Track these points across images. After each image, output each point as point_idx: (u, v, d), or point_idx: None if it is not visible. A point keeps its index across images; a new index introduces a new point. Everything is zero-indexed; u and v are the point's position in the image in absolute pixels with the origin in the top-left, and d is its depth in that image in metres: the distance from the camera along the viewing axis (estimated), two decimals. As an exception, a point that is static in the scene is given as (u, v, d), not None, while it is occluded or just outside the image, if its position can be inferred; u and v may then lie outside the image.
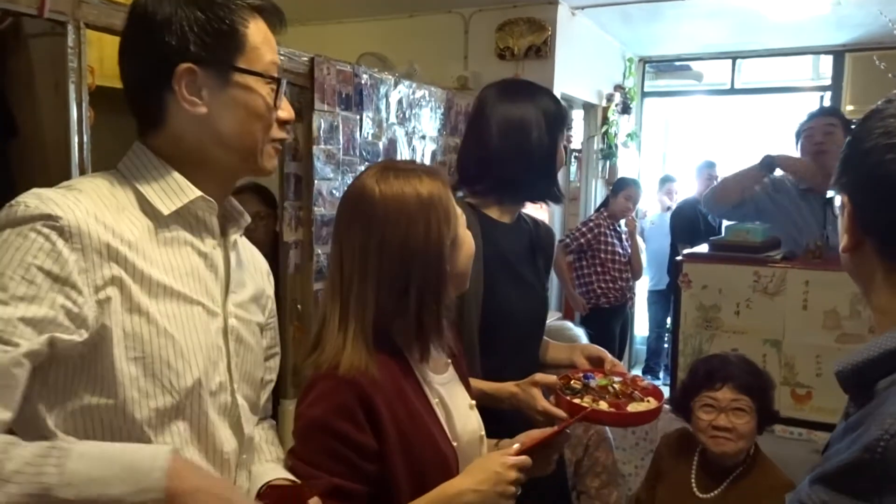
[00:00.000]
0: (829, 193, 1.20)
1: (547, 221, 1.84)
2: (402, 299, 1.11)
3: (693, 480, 1.83)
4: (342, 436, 1.04)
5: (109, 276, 0.85)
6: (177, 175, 0.94)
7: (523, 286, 1.60)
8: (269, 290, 1.15)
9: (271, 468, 1.08)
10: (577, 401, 1.35)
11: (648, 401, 1.38)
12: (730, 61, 5.50)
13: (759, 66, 5.63)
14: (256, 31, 0.95)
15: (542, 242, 1.70)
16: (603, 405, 1.36)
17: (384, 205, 1.10)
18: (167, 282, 0.90)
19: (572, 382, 1.44)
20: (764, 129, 6.16)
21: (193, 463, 0.89)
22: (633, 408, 1.37)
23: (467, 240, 1.21)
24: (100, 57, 2.44)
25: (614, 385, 1.43)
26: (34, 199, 0.83)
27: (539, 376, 1.43)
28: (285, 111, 1.00)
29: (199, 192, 0.95)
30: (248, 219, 1.06)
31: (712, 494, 1.79)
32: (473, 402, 1.28)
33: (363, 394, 1.05)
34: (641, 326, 5.89)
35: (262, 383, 1.10)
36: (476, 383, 1.44)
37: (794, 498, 1.37)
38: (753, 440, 1.81)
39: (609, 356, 1.52)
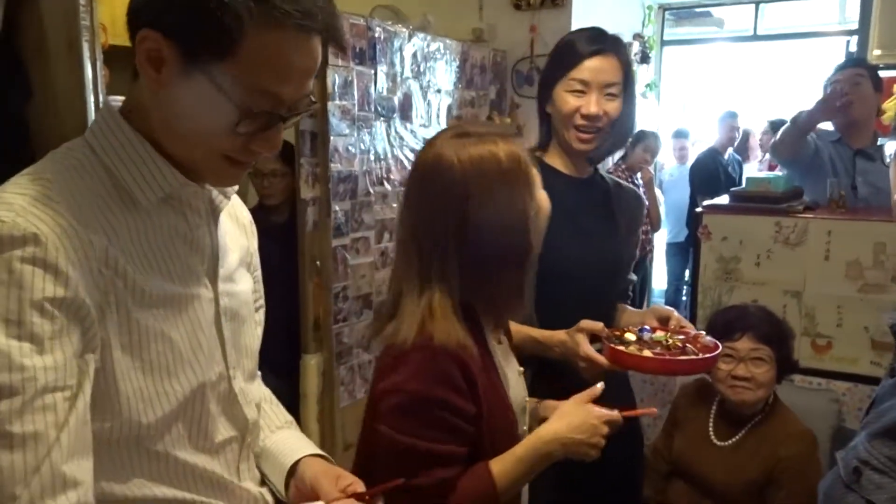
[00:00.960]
0: (881, 141, 1.18)
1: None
2: (486, 271, 1.10)
3: (711, 429, 1.85)
4: (449, 405, 1.06)
5: (104, 287, 0.77)
6: (156, 156, 0.82)
7: (587, 240, 1.59)
8: (253, 243, 1.09)
9: (292, 440, 1.05)
10: (621, 348, 1.35)
11: (697, 354, 1.36)
12: (752, 6, 5.33)
13: (782, 10, 5.46)
14: (259, 45, 0.75)
15: (625, 205, 1.68)
16: (647, 353, 1.35)
17: (463, 175, 1.06)
18: (158, 279, 0.83)
19: (626, 335, 1.43)
20: (788, 76, 6.02)
21: None
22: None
23: (545, 203, 1.19)
24: (112, 16, 2.43)
25: (668, 339, 1.42)
26: (8, 213, 0.72)
27: (585, 322, 1.43)
28: (264, 144, 0.82)
29: (182, 179, 0.84)
30: (228, 192, 0.95)
31: (730, 442, 1.81)
32: (522, 369, 1.30)
33: (462, 362, 1.06)
34: (660, 279, 5.87)
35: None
36: (528, 331, 1.48)
37: (850, 455, 1.38)
38: (772, 389, 1.82)
39: (675, 314, 1.50)
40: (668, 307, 1.60)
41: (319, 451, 1.03)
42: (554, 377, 1.49)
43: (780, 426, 1.77)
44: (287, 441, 1.05)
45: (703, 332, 1.46)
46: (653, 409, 1.27)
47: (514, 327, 1.58)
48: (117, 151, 0.82)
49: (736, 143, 5.25)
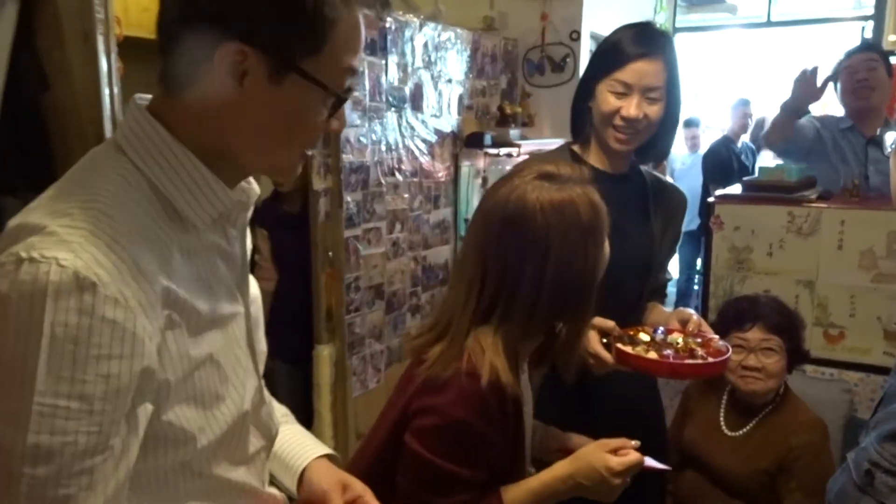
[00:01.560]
0: (879, 131, 1.18)
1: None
2: (549, 319, 1.16)
3: (722, 419, 1.86)
4: (485, 437, 1.10)
5: (162, 322, 0.71)
6: (204, 171, 0.76)
7: (618, 237, 1.58)
8: (250, 243, 1.04)
9: (296, 438, 1.05)
10: (627, 348, 1.38)
11: (705, 359, 1.37)
12: (766, -8, 5.29)
13: (797, -4, 5.41)
14: (346, 27, 0.74)
15: (664, 202, 1.67)
16: (651, 355, 1.36)
17: (546, 224, 1.09)
18: (204, 302, 0.78)
19: (640, 334, 1.45)
20: (802, 63, 5.96)
21: None
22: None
23: (607, 248, 1.20)
24: (125, 7, 2.44)
25: (679, 342, 1.43)
26: (66, 254, 0.64)
27: (597, 320, 1.44)
28: (338, 122, 0.80)
29: (233, 197, 0.79)
30: (257, 191, 0.89)
31: (741, 432, 1.81)
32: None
33: (502, 397, 1.09)
34: (672, 268, 5.86)
35: None
36: None
37: (861, 457, 1.38)
38: (783, 379, 1.82)
39: (694, 317, 1.50)
40: (690, 310, 1.58)
41: (325, 451, 1.03)
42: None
43: (791, 416, 1.78)
44: (292, 440, 1.04)
45: (718, 337, 1.46)
46: (668, 468, 1.27)
47: None
48: (163, 168, 0.74)
49: (749, 131, 5.22)
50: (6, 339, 0.63)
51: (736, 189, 2.68)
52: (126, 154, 0.74)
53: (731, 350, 1.43)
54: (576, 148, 1.67)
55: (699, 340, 1.44)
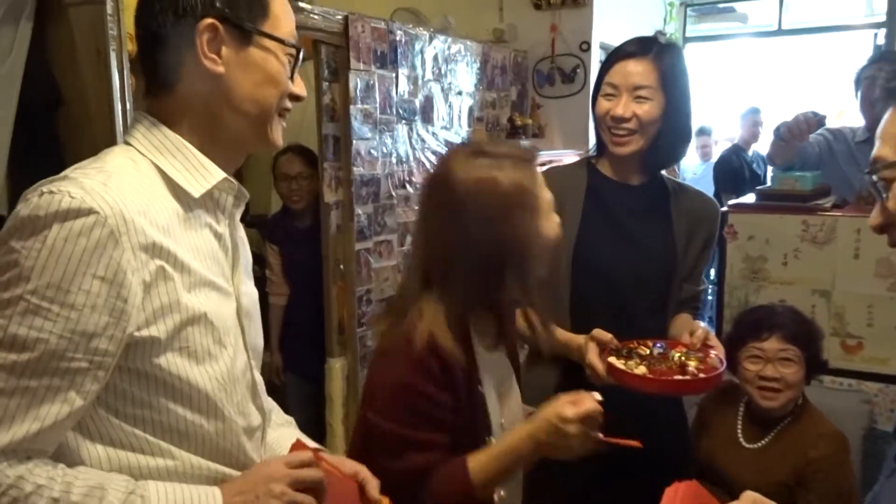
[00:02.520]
0: None
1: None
2: (485, 289, 1.16)
3: (739, 431, 1.83)
4: (427, 395, 1.13)
5: (154, 270, 0.82)
6: (198, 154, 0.91)
7: (630, 246, 1.59)
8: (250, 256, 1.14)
9: (289, 433, 1.12)
10: (619, 362, 1.40)
11: (695, 375, 1.37)
12: (776, 1, 5.27)
13: (807, 4, 5.39)
14: (279, 3, 0.93)
15: (688, 210, 1.64)
16: (640, 370, 1.38)
17: (465, 195, 1.12)
18: (199, 269, 0.89)
19: (639, 348, 1.46)
20: (813, 71, 5.93)
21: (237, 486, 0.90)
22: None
23: (554, 227, 1.21)
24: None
25: (676, 357, 1.43)
26: (77, 190, 0.78)
27: (597, 331, 1.46)
28: (298, 86, 0.96)
29: (223, 174, 0.93)
30: (247, 195, 1.01)
31: (759, 444, 1.78)
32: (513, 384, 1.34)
33: (442, 358, 1.13)
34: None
35: None
36: (556, 332, 1.53)
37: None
38: (801, 390, 1.79)
39: (699, 330, 1.49)
40: (697, 322, 1.57)
41: (319, 447, 1.08)
42: (580, 378, 1.49)
43: (811, 428, 1.75)
44: (289, 438, 1.09)
45: (717, 352, 1.45)
46: (636, 443, 1.19)
47: None
48: (161, 151, 0.89)
49: (759, 139, 5.19)
50: (14, 251, 0.76)
51: (749, 198, 2.66)
52: (132, 146, 0.90)
53: (724, 365, 1.42)
54: (595, 161, 1.67)
55: (700, 355, 1.44)
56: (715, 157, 5.38)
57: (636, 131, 1.54)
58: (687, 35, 5.58)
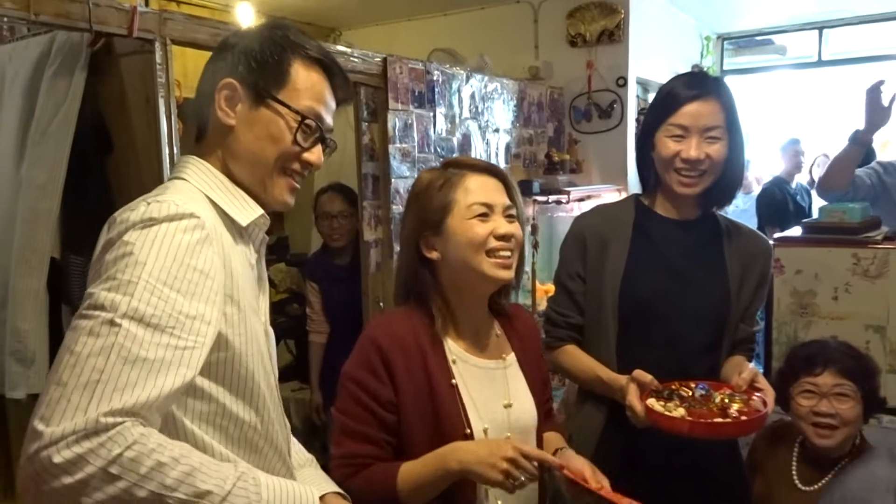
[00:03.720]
0: None
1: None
2: (417, 275, 1.29)
3: (794, 472, 1.76)
4: (364, 386, 1.21)
5: (228, 283, 0.93)
6: (240, 191, 1.01)
7: (679, 283, 1.56)
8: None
9: (316, 478, 1.16)
10: (659, 404, 1.38)
11: (736, 418, 1.34)
12: (816, 32, 5.22)
13: (847, 35, 5.32)
14: (304, 77, 1.03)
15: (741, 250, 1.61)
16: (678, 412, 1.35)
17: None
18: (247, 291, 0.99)
19: (681, 389, 1.43)
20: (853, 102, 5.83)
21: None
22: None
23: (461, 231, 1.25)
24: (184, 71, 2.55)
25: (717, 398, 1.40)
26: (180, 199, 0.90)
27: (637, 372, 1.43)
28: (314, 155, 1.04)
29: (261, 210, 1.02)
30: (268, 223, 1.09)
31: (816, 486, 1.71)
32: (511, 403, 1.32)
33: (382, 350, 1.21)
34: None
35: None
36: (597, 370, 1.54)
37: None
38: (859, 428, 1.72)
39: (745, 373, 1.44)
40: (747, 364, 1.53)
41: (340, 490, 1.11)
42: (626, 418, 1.46)
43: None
44: (311, 479, 1.15)
45: (759, 395, 1.41)
46: None
47: (586, 364, 1.58)
48: (211, 186, 0.99)
49: (802, 170, 5.10)
50: (128, 243, 0.85)
51: (796, 231, 2.60)
52: (186, 180, 0.99)
53: (768, 407, 1.38)
54: (643, 198, 1.66)
55: (745, 397, 1.40)
56: (756, 190, 5.30)
57: (706, 172, 1.51)
58: (725, 68, 5.55)
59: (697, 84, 1.54)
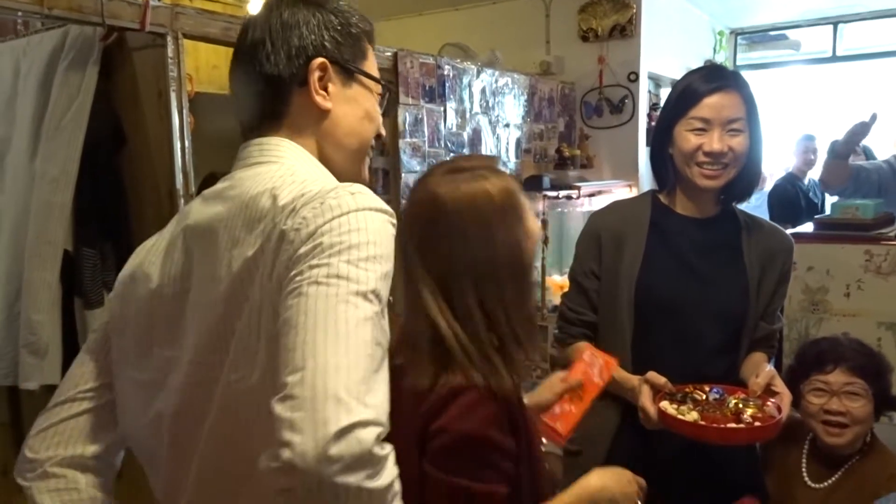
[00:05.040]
0: None
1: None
2: (502, 308, 1.06)
3: (804, 469, 1.75)
4: (496, 444, 1.02)
5: None
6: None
7: (696, 281, 1.54)
8: None
9: None
10: (672, 407, 1.38)
11: (748, 424, 1.34)
12: (830, 27, 5.18)
13: (862, 30, 5.27)
14: (371, 48, 1.02)
15: (761, 245, 1.58)
16: (691, 416, 1.35)
17: (459, 216, 1.04)
18: None
19: (695, 393, 1.42)
20: (869, 97, 5.78)
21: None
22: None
23: (535, 229, 1.13)
24: (196, 65, 2.56)
25: (731, 402, 1.39)
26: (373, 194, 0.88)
27: (651, 374, 1.43)
28: (383, 126, 1.03)
29: None
30: None
31: (825, 484, 1.70)
32: None
33: (504, 402, 1.03)
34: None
35: None
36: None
37: None
38: (870, 426, 1.71)
39: (761, 376, 1.43)
40: (765, 365, 1.50)
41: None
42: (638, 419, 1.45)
43: (881, 467, 1.66)
44: None
45: (773, 400, 1.40)
46: None
47: None
48: (311, 170, 0.93)
49: (814, 167, 5.07)
50: (349, 232, 0.79)
51: (808, 227, 2.59)
52: (289, 167, 0.92)
53: (782, 413, 1.37)
54: (661, 196, 1.63)
55: (759, 402, 1.40)
56: (769, 186, 5.26)
57: (729, 164, 1.50)
58: (738, 63, 5.51)
59: (717, 77, 1.52)
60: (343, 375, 0.68)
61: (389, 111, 2.66)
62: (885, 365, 1.76)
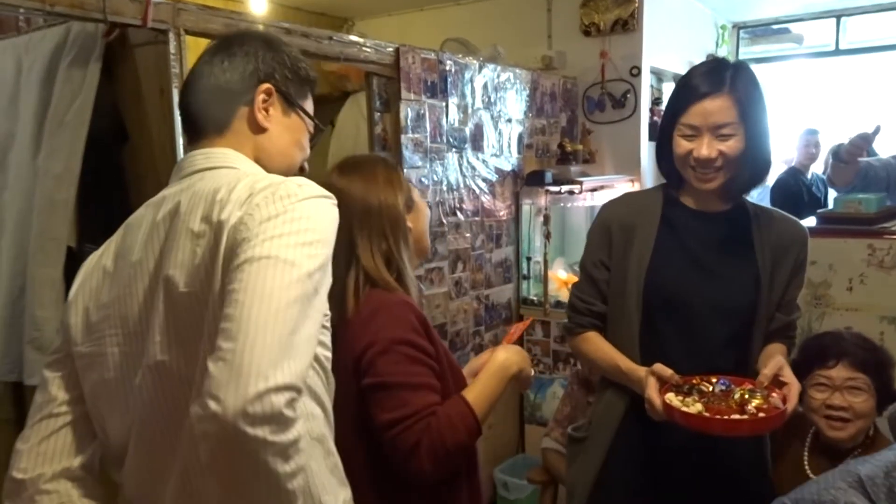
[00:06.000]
0: None
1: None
2: (390, 253, 1.36)
3: (806, 462, 1.76)
4: (420, 346, 1.27)
5: None
6: None
7: (706, 276, 1.55)
8: None
9: None
10: (677, 398, 1.39)
11: (752, 415, 1.34)
12: (833, 21, 5.16)
13: (866, 23, 5.25)
14: (311, 96, 1.16)
15: (773, 237, 1.58)
16: (695, 408, 1.36)
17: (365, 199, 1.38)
18: None
19: (702, 384, 1.43)
20: (872, 91, 5.75)
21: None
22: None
23: (416, 199, 1.45)
24: (198, 61, 2.56)
25: (737, 394, 1.39)
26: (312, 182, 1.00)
27: (657, 366, 1.44)
28: (305, 153, 1.17)
29: None
30: None
31: (828, 478, 1.71)
32: None
33: (416, 312, 1.31)
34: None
35: None
36: (617, 359, 1.56)
37: None
38: (872, 421, 1.71)
39: (768, 367, 1.43)
40: (777, 357, 1.49)
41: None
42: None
43: (883, 461, 1.67)
44: None
45: (778, 392, 1.40)
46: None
47: (607, 353, 1.58)
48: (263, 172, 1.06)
49: (817, 161, 5.05)
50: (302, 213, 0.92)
51: (810, 222, 2.59)
52: (235, 168, 1.03)
53: (787, 405, 1.37)
54: (672, 189, 1.63)
55: (766, 393, 1.40)
56: (771, 180, 5.25)
57: (722, 168, 1.49)
58: (740, 57, 5.49)
59: (708, 80, 1.50)
60: (268, 349, 0.81)
61: (391, 107, 2.66)
62: (887, 359, 1.77)
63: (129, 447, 1.01)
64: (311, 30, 2.31)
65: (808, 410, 1.74)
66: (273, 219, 0.89)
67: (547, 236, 3.33)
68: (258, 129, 1.07)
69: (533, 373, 1.42)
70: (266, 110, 1.07)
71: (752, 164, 1.52)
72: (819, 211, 2.65)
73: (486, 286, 3.20)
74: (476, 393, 1.29)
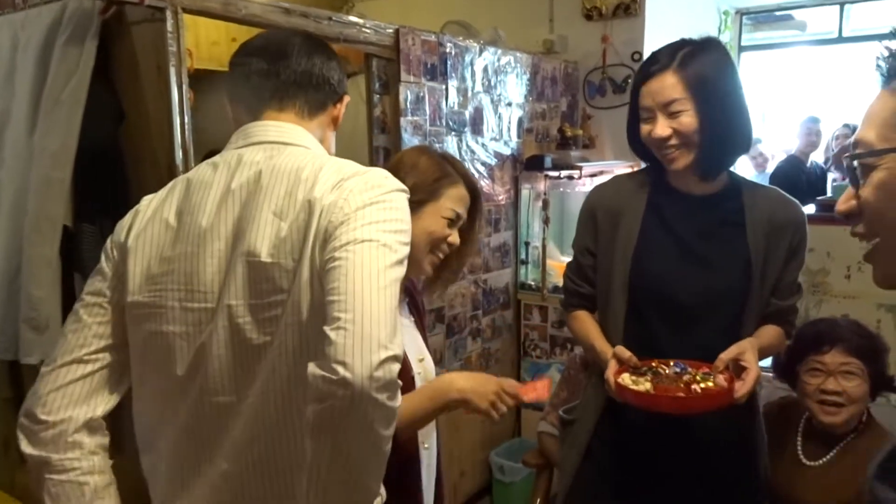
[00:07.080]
0: None
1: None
2: None
3: (799, 448, 1.77)
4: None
5: None
6: None
7: (693, 262, 1.53)
8: None
9: None
10: (630, 378, 1.43)
11: (695, 394, 1.37)
12: (836, 7, 5.12)
13: (870, 10, 5.21)
14: None
15: (768, 219, 1.54)
16: (643, 387, 1.40)
17: None
18: None
19: (659, 367, 1.45)
20: (875, 80, 5.72)
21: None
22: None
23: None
24: (196, 41, 2.54)
25: (685, 376, 1.43)
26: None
27: (618, 349, 1.47)
28: None
29: None
30: None
31: (821, 462, 1.72)
32: (423, 357, 1.46)
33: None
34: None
35: None
36: (594, 338, 1.58)
37: None
38: (865, 406, 1.72)
39: (725, 353, 1.43)
40: (746, 340, 1.48)
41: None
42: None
43: (876, 445, 1.67)
44: None
45: (726, 372, 1.42)
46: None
47: (588, 332, 1.59)
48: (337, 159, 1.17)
49: (817, 149, 5.04)
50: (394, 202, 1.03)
51: (809, 209, 2.58)
52: (308, 148, 1.13)
53: (737, 387, 1.39)
54: (659, 172, 1.61)
55: (723, 376, 1.42)
56: (771, 168, 5.25)
57: (682, 145, 1.47)
58: (742, 44, 5.46)
59: (652, 60, 1.52)
60: (382, 321, 0.90)
61: (390, 89, 2.65)
62: (881, 346, 1.77)
63: (170, 402, 1.06)
64: (311, 10, 2.29)
65: (802, 396, 1.75)
66: (370, 206, 0.99)
67: (546, 221, 3.32)
68: (334, 126, 1.22)
69: (488, 409, 1.28)
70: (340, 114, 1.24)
71: (718, 139, 1.48)
72: (818, 198, 2.64)
73: (485, 270, 3.20)
74: (406, 410, 1.21)
